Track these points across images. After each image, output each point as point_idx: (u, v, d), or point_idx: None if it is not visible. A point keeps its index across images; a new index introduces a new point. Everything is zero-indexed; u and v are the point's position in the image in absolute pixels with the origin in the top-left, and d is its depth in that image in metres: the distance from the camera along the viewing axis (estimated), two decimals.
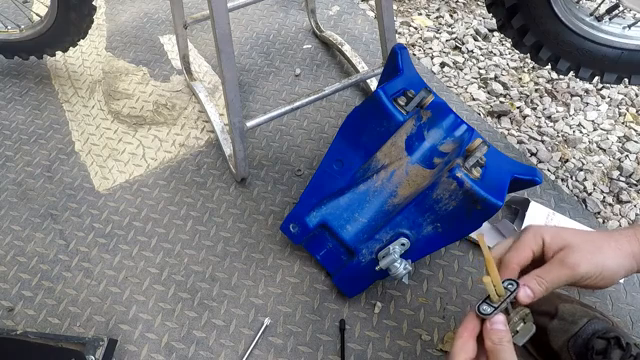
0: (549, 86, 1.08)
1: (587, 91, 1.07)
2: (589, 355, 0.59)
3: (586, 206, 0.87)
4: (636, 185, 0.91)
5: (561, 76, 1.10)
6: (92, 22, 0.99)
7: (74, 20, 0.96)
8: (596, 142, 0.98)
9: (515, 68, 1.13)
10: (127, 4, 1.32)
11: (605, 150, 0.96)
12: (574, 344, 0.61)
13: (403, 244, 0.66)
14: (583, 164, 0.94)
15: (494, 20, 0.92)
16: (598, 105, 1.05)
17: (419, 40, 1.21)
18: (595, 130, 1.00)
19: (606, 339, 0.59)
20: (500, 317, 0.44)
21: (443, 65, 1.14)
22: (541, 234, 0.48)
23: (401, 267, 0.63)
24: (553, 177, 0.91)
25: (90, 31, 1.02)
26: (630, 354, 0.57)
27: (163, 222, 0.85)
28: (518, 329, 0.45)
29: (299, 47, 1.16)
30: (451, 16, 1.28)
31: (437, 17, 1.28)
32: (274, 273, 0.78)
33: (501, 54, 1.16)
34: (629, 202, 0.88)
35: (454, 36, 1.21)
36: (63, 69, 1.15)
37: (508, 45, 1.18)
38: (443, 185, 0.61)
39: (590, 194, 0.89)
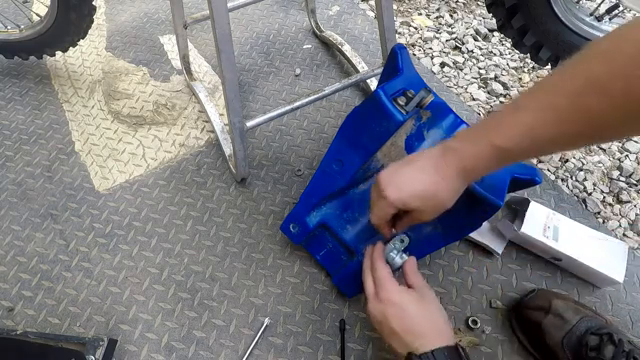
0: None
1: None
2: (583, 351, 0.60)
3: (586, 206, 0.87)
4: (636, 185, 0.91)
5: None
6: (92, 22, 0.99)
7: (74, 20, 0.96)
8: None
9: (515, 68, 1.13)
10: (127, 4, 1.32)
11: (605, 150, 0.96)
12: (568, 341, 0.62)
13: (402, 240, 0.66)
14: (583, 164, 0.94)
15: (494, 20, 0.92)
16: None
17: (419, 40, 1.21)
18: None
19: (599, 335, 0.60)
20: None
21: (443, 65, 1.14)
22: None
23: (397, 257, 0.63)
24: (553, 177, 0.91)
25: (90, 31, 1.02)
26: (622, 350, 0.58)
27: (163, 222, 0.85)
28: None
29: (299, 47, 1.16)
30: (451, 16, 1.28)
31: (437, 17, 1.28)
32: (274, 273, 0.78)
33: (501, 54, 1.16)
34: (629, 202, 0.88)
35: (454, 36, 1.21)
36: (63, 69, 1.15)
37: (508, 45, 1.18)
38: None
39: (590, 194, 0.89)
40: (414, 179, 0.51)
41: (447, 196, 0.51)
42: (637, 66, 0.34)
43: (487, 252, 0.78)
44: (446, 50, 1.18)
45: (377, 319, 0.55)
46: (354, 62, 1.05)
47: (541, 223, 0.74)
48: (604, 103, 0.37)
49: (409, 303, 0.54)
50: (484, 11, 1.28)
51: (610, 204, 0.88)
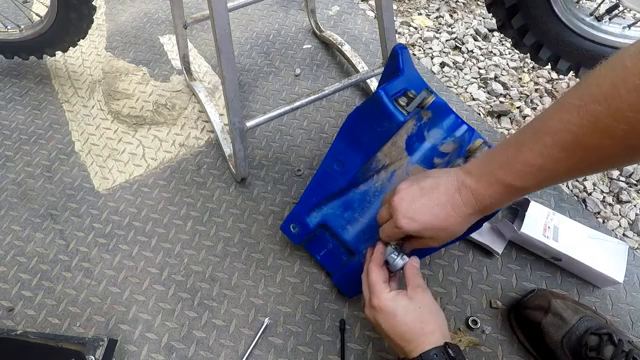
0: (549, 86, 1.08)
1: None
2: (583, 351, 0.60)
3: (586, 206, 0.87)
4: (636, 185, 0.91)
5: (561, 76, 1.10)
6: (92, 22, 0.99)
7: (74, 20, 0.96)
8: None
9: (515, 68, 1.13)
10: (127, 4, 1.32)
11: None
12: (568, 341, 0.62)
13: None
14: None
15: (494, 20, 0.92)
16: None
17: (419, 40, 1.21)
18: None
19: (599, 335, 0.60)
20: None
21: (443, 65, 1.14)
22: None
23: (398, 258, 0.63)
24: None
25: (90, 31, 1.02)
26: (622, 350, 0.58)
27: (163, 222, 0.85)
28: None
29: (299, 47, 1.16)
30: (451, 16, 1.28)
31: (437, 17, 1.28)
32: (274, 273, 0.78)
33: (501, 54, 1.16)
34: (629, 202, 0.88)
35: (454, 36, 1.21)
36: (63, 69, 1.15)
37: (508, 45, 1.18)
38: None
39: (590, 194, 0.89)
40: (429, 212, 0.53)
41: (460, 228, 0.53)
42: (638, 110, 0.36)
43: (487, 252, 0.78)
44: (446, 50, 1.18)
45: (372, 324, 0.58)
46: (354, 62, 1.05)
47: (541, 223, 0.74)
48: (610, 143, 0.39)
49: (398, 309, 0.55)
50: (484, 11, 1.28)
51: (610, 204, 0.88)
